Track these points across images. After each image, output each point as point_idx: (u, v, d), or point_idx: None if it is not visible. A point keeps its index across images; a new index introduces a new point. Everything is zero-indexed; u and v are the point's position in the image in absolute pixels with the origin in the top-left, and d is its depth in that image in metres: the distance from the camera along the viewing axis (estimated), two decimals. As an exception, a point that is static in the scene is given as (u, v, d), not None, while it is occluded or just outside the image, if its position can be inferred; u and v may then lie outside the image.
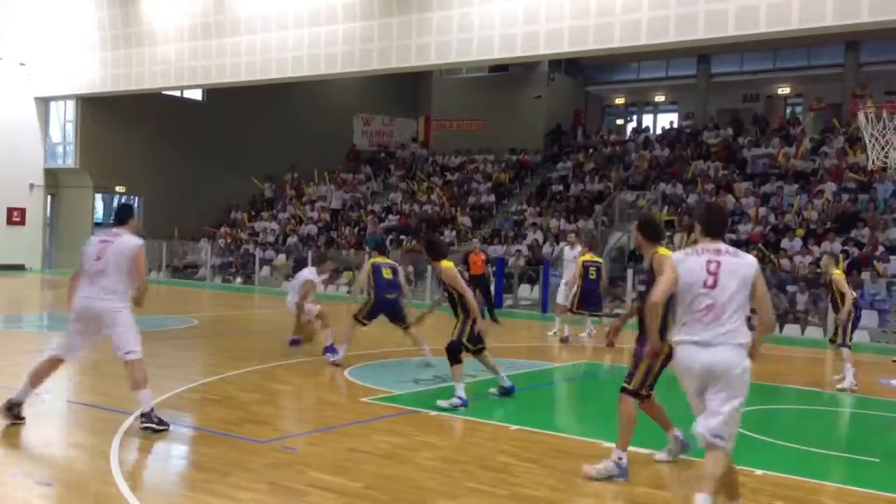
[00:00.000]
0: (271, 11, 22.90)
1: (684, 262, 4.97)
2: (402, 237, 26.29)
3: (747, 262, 4.93)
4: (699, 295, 4.86)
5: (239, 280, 27.02)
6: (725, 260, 4.90)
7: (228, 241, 29.27)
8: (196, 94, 31.53)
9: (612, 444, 6.22)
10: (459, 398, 8.29)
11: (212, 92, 30.42)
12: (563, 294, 15.10)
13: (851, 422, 9.32)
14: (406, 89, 35.02)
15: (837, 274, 10.87)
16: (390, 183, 31.26)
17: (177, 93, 30.28)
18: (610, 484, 5.98)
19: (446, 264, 8.61)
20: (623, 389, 6.23)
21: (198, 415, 7.92)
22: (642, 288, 6.03)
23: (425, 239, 13.47)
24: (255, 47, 23.26)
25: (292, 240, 27.85)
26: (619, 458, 6.05)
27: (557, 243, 23.51)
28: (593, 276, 13.88)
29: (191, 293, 23.46)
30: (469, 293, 8.48)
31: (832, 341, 11.00)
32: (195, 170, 30.47)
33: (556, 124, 30.89)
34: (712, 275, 4.85)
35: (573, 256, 15.22)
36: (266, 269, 26.82)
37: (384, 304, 11.06)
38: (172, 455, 6.71)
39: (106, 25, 26.55)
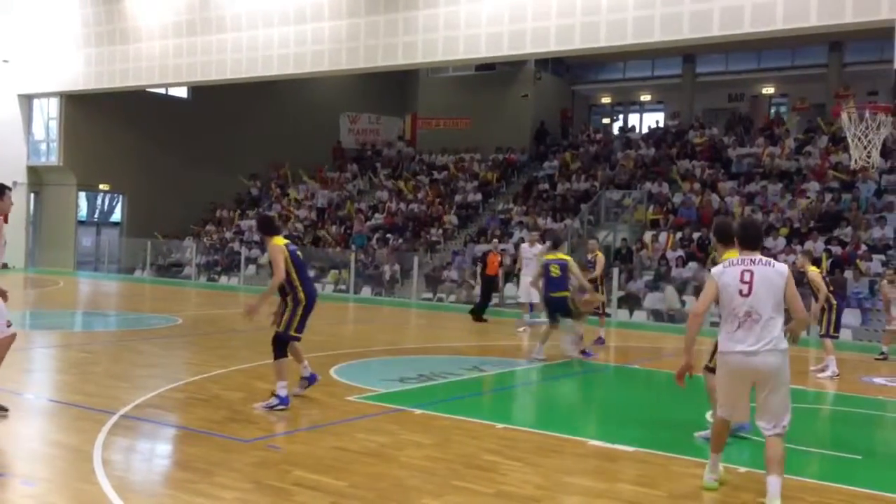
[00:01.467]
0: (257, 8, 22.81)
1: (722, 274, 5.58)
2: (388, 236, 26.27)
3: (778, 271, 5.50)
4: (737, 303, 5.46)
5: (225, 279, 26.94)
6: (758, 270, 5.48)
7: (214, 239, 29.17)
8: (181, 92, 31.39)
9: (599, 442, 6.24)
10: (278, 397, 7.77)
11: (197, 89, 30.29)
12: (526, 292, 15.33)
13: (833, 419, 9.39)
14: (392, 88, 34.99)
15: (813, 270, 11.29)
16: (377, 181, 31.23)
17: (162, 90, 30.13)
18: (596, 481, 6.00)
19: (276, 241, 7.95)
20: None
21: (182, 414, 7.89)
22: None
23: (259, 216, 12.68)
24: (240, 45, 23.16)
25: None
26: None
27: (543, 242, 23.53)
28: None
29: (175, 292, 23.35)
30: (279, 276, 7.73)
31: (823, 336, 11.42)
32: (180, 168, 30.33)
33: (541, 122, 30.94)
34: (747, 284, 5.45)
35: (533, 254, 15.20)
36: (252, 268, 26.74)
37: (551, 303, 11.46)
38: (156, 454, 6.68)
39: (90, 22, 26.38)
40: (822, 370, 11.27)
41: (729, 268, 5.57)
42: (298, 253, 8.06)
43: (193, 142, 30.65)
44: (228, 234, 29.36)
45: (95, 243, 31.32)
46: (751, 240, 5.63)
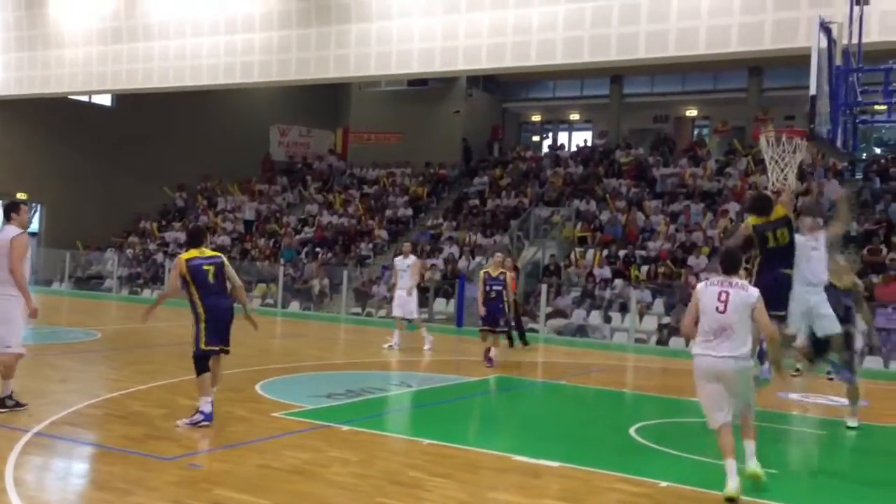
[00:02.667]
0: (185, 17, 22.44)
1: (705, 291, 6.50)
2: (317, 250, 26.05)
3: (749, 294, 6.39)
4: (714, 318, 6.38)
5: (148, 292, 26.28)
6: (733, 292, 6.38)
7: (137, 251, 28.45)
8: (105, 100, 30.62)
9: (523, 457, 6.29)
10: (202, 412, 7.71)
11: (122, 98, 29.59)
12: (399, 306, 14.80)
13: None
14: (324, 100, 34.81)
15: None
16: (307, 195, 30.98)
17: (85, 98, 29.34)
18: (519, 496, 6.04)
19: (182, 255, 8.01)
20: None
21: (100, 431, 7.66)
22: None
23: (190, 227, 12.10)
24: (168, 53, 22.73)
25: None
26: None
27: (474, 258, 23.70)
28: (493, 296, 12.93)
29: (95, 305, 22.68)
30: (167, 289, 8.06)
31: None
32: (102, 177, 29.52)
33: (463, 139, 31.01)
34: (723, 303, 6.35)
35: (406, 266, 15.01)
36: (176, 281, 26.11)
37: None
38: (72, 474, 6.46)
39: (11, 27, 25.54)
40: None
41: (709, 287, 6.49)
42: (206, 267, 7.92)
43: (117, 151, 29.89)
44: (152, 246, 28.69)
45: (11, 254, 30.17)
46: (729, 266, 6.58)
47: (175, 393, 9.34)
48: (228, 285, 8.07)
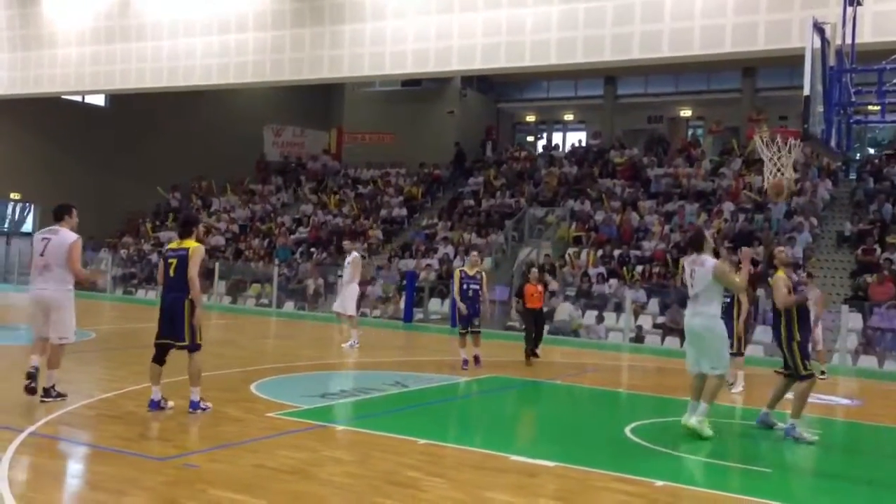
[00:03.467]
0: (179, 17, 22.39)
1: (683, 268, 8.81)
2: (312, 250, 26.03)
3: (707, 268, 8.19)
4: (690, 287, 8.39)
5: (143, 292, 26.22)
6: (697, 268, 8.28)
7: (131, 251, 28.38)
8: (98, 100, 30.54)
9: (519, 457, 6.27)
10: (150, 400, 8.24)
11: (115, 98, 29.53)
12: (341, 303, 14.92)
13: (744, 434, 9.66)
14: (318, 101, 34.78)
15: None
16: (301, 195, 30.93)
17: (78, 98, 29.25)
18: (515, 496, 6.04)
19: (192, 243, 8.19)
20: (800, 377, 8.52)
21: (94, 432, 7.63)
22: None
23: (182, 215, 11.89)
24: (161, 53, 22.69)
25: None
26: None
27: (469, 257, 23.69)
28: (470, 294, 12.68)
29: (90, 305, 22.58)
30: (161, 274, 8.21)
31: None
32: (96, 178, 29.45)
33: (456, 143, 30.86)
34: (691, 276, 8.34)
35: (346, 263, 15.26)
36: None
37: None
38: (66, 474, 6.43)
39: (3, 26, 25.45)
40: (732, 385, 11.61)
41: (686, 264, 8.58)
42: (170, 260, 8.11)
43: (111, 151, 29.83)
44: (147, 246, 28.62)
45: (5, 254, 30.11)
46: (694, 245, 8.47)
47: (169, 393, 9.31)
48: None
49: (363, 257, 17.98)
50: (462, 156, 30.70)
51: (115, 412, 8.27)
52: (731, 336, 10.27)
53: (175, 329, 8.10)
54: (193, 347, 8.16)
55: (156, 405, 8.20)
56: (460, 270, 13.14)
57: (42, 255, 8.40)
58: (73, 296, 8.57)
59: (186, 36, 22.26)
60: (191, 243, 8.17)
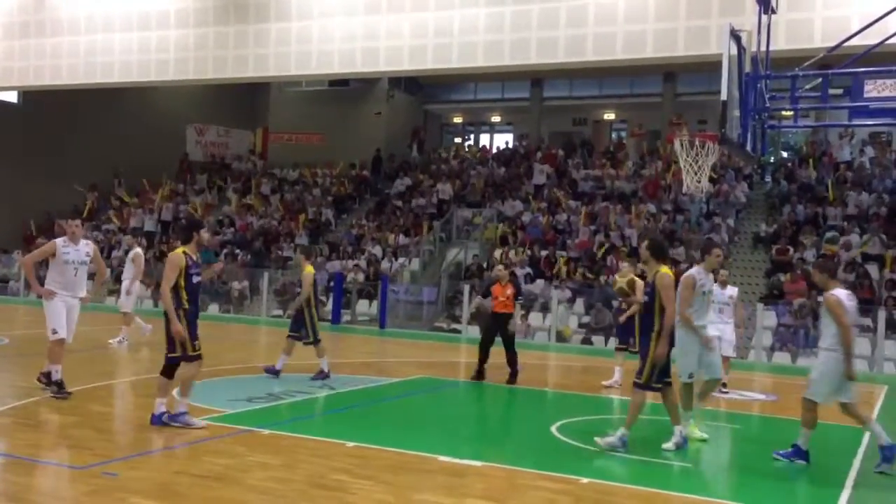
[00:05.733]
0: (96, 12, 21.74)
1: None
2: (237, 251, 25.60)
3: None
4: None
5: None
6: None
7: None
8: (11, 97, 29.39)
9: (447, 458, 6.29)
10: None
11: (29, 94, 28.44)
12: (124, 301, 14.57)
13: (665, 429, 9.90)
14: (243, 100, 34.21)
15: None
16: (226, 195, 30.38)
17: (-11, 94, 28.12)
18: (444, 497, 6.06)
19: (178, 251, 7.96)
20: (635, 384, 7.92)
21: (8, 440, 7.35)
22: (646, 298, 8.02)
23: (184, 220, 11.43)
24: (78, 49, 21.98)
25: (117, 252, 26.45)
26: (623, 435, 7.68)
27: (396, 259, 23.66)
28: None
29: (1, 309, 21.77)
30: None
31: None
32: (10, 177, 28.33)
33: (377, 150, 30.43)
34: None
35: (129, 258, 14.87)
36: (88, 283, 25.23)
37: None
38: (-23, 486, 6.18)
39: None
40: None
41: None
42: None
43: (25, 149, 28.72)
44: (63, 248, 27.66)
45: None
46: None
47: (87, 400, 9.04)
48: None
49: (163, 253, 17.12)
50: (380, 161, 30.36)
51: (30, 420, 7.99)
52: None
53: (167, 340, 7.87)
54: (180, 360, 7.83)
55: (158, 419, 7.78)
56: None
57: None
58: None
59: (105, 31, 21.61)
60: (178, 251, 7.84)
